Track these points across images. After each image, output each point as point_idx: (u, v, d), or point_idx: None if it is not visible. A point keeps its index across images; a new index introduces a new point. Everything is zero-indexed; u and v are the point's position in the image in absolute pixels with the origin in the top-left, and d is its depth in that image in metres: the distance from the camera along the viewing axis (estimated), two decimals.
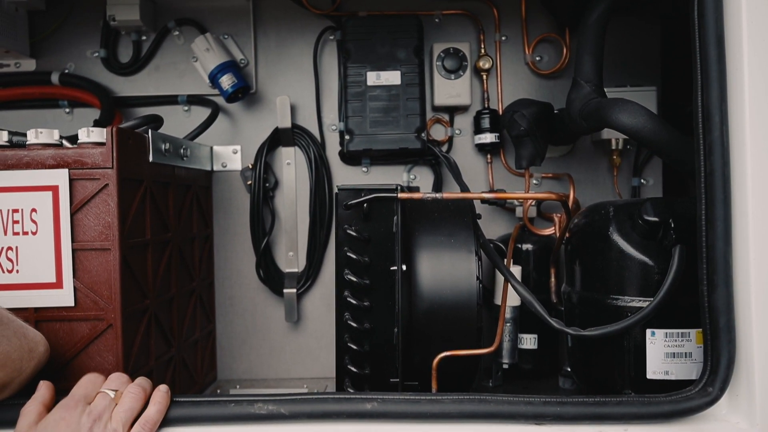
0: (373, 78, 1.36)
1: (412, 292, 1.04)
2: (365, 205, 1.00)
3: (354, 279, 1.00)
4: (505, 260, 1.26)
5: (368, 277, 1.01)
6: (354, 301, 1.00)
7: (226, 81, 1.34)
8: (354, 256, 1.00)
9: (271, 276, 1.45)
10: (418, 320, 1.04)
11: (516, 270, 1.26)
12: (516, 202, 1.39)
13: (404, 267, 1.02)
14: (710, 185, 0.83)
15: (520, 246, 1.33)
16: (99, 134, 0.98)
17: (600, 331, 0.97)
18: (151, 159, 1.09)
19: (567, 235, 1.17)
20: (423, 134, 1.37)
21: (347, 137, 1.37)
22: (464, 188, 1.32)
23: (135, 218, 1.03)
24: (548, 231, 1.34)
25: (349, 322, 1.01)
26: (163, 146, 1.14)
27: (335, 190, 1.45)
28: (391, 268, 1.01)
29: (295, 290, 1.43)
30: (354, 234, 1.00)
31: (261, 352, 1.47)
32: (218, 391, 1.42)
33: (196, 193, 1.34)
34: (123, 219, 0.98)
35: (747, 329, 0.81)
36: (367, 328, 1.01)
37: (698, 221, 0.84)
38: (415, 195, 1.02)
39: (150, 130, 1.09)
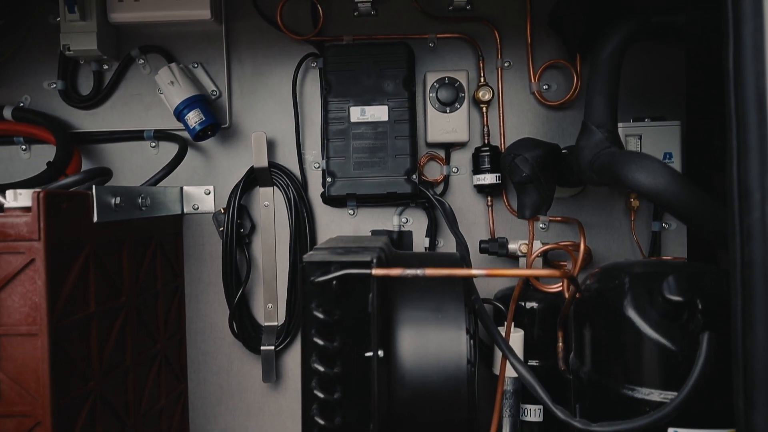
0: (357, 114, 1.21)
1: (391, 380, 0.89)
2: (334, 282, 0.85)
3: (321, 369, 0.85)
4: (506, 323, 1.11)
5: (339, 364, 0.87)
6: (322, 395, 0.86)
7: (193, 118, 1.20)
8: (321, 342, 0.86)
9: (246, 331, 1.30)
10: (399, 413, 0.89)
11: (517, 337, 1.10)
12: (519, 252, 1.23)
13: (381, 353, 0.87)
14: (749, 279, 0.67)
15: (523, 304, 1.18)
16: (27, 197, 0.84)
17: (613, 428, 0.82)
18: (95, 219, 0.95)
19: (577, 295, 1.02)
20: (414, 176, 1.22)
21: (329, 179, 1.22)
22: (460, 239, 1.17)
23: (73, 292, 0.89)
24: (556, 287, 1.18)
25: (317, 418, 0.86)
26: (112, 201, 1.00)
27: (318, 235, 1.31)
28: (366, 354, 0.86)
29: (273, 347, 1.28)
30: (321, 316, 0.86)
31: (237, 413, 1.34)
32: None
33: (160, 243, 1.20)
34: (53, 298, 0.84)
35: None
36: (339, 424, 0.86)
37: (734, 319, 0.68)
38: (392, 272, 0.87)
39: (94, 187, 0.95)
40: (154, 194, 1.16)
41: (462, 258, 1.15)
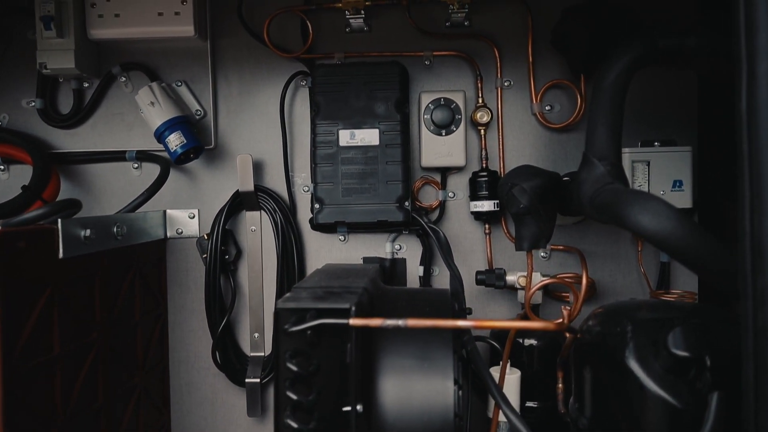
0: (347, 137, 1.14)
1: None
2: (309, 332, 0.79)
3: (294, 425, 0.79)
4: (501, 364, 1.04)
5: (315, 419, 0.80)
6: None
7: (174, 140, 1.14)
8: (295, 397, 0.79)
9: (230, 362, 1.25)
10: None
11: (513, 379, 1.04)
12: (517, 284, 1.16)
13: (360, 407, 0.81)
14: (762, 348, 0.60)
15: (521, 341, 1.11)
16: None
17: None
18: (61, 255, 0.89)
19: (578, 335, 0.95)
20: (407, 203, 1.15)
21: (316, 206, 1.16)
22: (454, 272, 1.10)
23: (34, 335, 0.84)
24: (556, 323, 1.11)
25: None
26: (82, 234, 0.94)
27: (307, 262, 1.24)
28: (344, 409, 0.80)
29: (258, 380, 1.22)
30: (295, 369, 0.79)
31: None
32: None
33: (139, 271, 1.14)
34: (9, 345, 0.78)
35: None
36: None
37: (745, 391, 0.61)
38: (372, 322, 0.80)
39: (60, 221, 0.89)
40: (132, 221, 1.11)
41: (455, 294, 1.08)
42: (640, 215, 0.78)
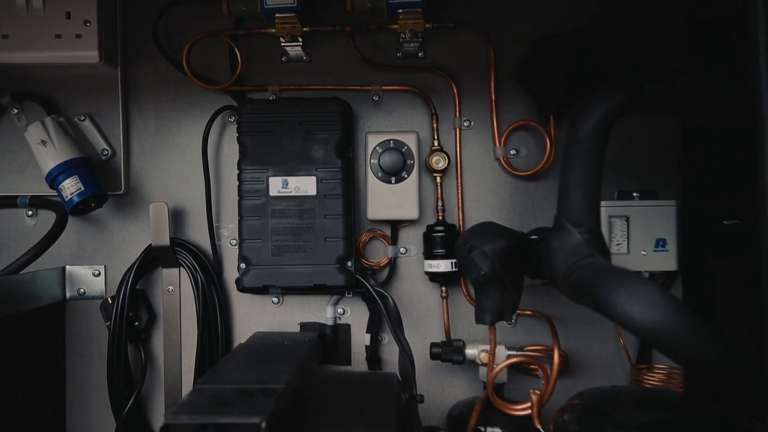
0: (278, 186, 0.97)
1: None
2: None
3: None
4: None
5: None
6: None
7: (70, 187, 0.95)
8: None
9: None
10: None
11: None
12: (479, 360, 0.99)
13: None
14: None
15: (483, 430, 0.94)
16: None
17: None
18: None
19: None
20: (349, 263, 0.98)
21: (242, 266, 0.98)
22: (403, 348, 0.93)
23: None
24: (523, 408, 0.94)
25: None
26: None
27: (235, 328, 1.06)
28: None
29: None
30: None
31: None
32: None
33: (23, 347, 0.94)
34: None
35: None
36: None
37: None
38: None
39: None
40: (12, 285, 0.91)
41: (404, 376, 0.91)
42: (628, 304, 0.62)
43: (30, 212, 1.07)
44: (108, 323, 1.02)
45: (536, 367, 1.05)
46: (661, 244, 0.98)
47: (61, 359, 1.06)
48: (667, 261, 0.98)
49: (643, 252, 0.98)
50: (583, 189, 0.74)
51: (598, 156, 0.74)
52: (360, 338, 1.07)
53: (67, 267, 1.06)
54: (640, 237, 0.98)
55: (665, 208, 0.98)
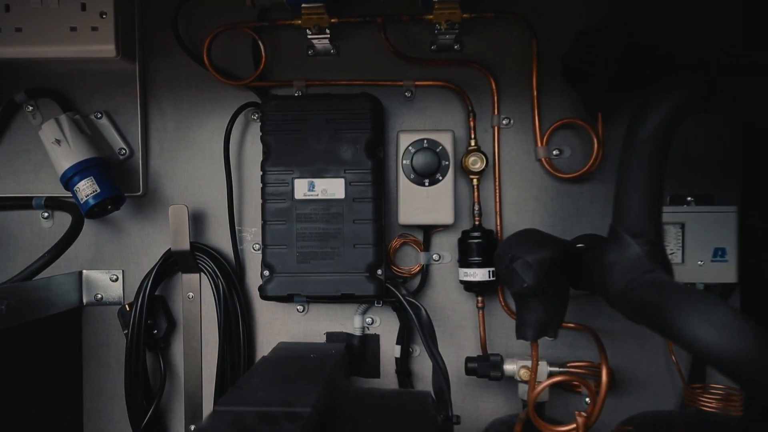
0: (304, 188, 0.90)
1: None
2: None
3: None
4: None
5: None
6: None
7: (85, 188, 0.90)
8: None
9: None
10: None
11: None
12: (518, 377, 0.92)
13: None
14: None
15: None
16: None
17: None
18: None
19: None
20: (379, 271, 0.91)
21: (265, 273, 0.92)
22: (437, 363, 0.86)
23: None
24: (568, 430, 0.87)
25: None
26: None
27: (258, 336, 1.00)
28: None
29: None
30: None
31: None
32: None
33: (36, 356, 0.89)
34: None
35: None
36: None
37: None
38: None
39: None
40: (26, 292, 0.86)
41: (438, 394, 0.84)
42: (701, 329, 0.55)
43: (46, 214, 1.02)
44: (126, 331, 0.97)
45: (578, 385, 0.98)
46: (719, 253, 0.90)
47: (78, 367, 1.02)
48: (726, 272, 0.90)
49: (699, 262, 0.90)
50: (643, 196, 0.66)
51: (661, 160, 0.66)
52: (390, 349, 1.01)
53: (84, 272, 1.02)
54: (697, 246, 0.90)
55: (724, 215, 0.90)
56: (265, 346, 1.02)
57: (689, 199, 0.95)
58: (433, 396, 0.85)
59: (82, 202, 0.90)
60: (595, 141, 0.94)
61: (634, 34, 0.88)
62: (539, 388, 0.86)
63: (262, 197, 0.92)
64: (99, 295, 1.02)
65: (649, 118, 0.65)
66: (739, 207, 0.90)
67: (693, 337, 0.55)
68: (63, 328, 0.99)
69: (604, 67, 0.89)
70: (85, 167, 0.90)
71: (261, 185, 0.92)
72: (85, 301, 1.02)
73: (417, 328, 0.89)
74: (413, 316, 0.90)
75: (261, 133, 0.92)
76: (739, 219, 0.89)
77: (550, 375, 0.91)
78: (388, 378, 1.01)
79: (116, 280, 1.02)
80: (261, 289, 0.92)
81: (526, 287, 0.79)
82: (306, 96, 0.97)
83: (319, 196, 0.90)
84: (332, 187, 0.90)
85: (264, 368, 0.82)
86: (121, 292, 1.02)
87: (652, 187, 0.66)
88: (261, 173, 0.92)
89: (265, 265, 0.91)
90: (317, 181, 0.90)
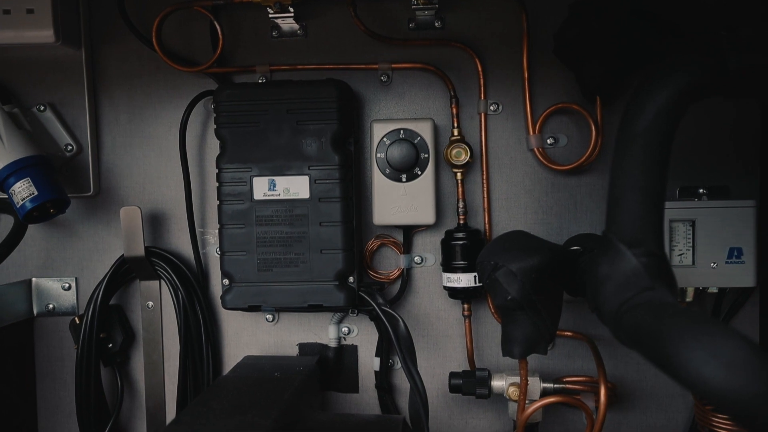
0: (264, 188, 0.81)
1: None
2: None
3: None
4: None
5: None
6: None
7: (21, 191, 0.81)
8: None
9: None
10: None
11: None
12: (507, 396, 0.82)
13: None
14: None
15: None
16: None
17: None
18: None
19: None
20: (351, 279, 0.82)
21: (224, 282, 0.83)
22: (414, 382, 0.77)
23: None
24: None
25: None
26: None
27: (224, 349, 0.92)
28: None
29: None
30: None
31: None
32: None
33: None
34: None
35: None
36: None
37: None
38: None
39: None
40: None
41: (414, 419, 0.75)
42: (706, 366, 0.45)
43: None
44: (76, 347, 0.88)
45: (580, 398, 0.88)
46: (735, 254, 0.79)
47: (31, 383, 0.94)
48: (743, 275, 0.79)
49: (712, 264, 0.79)
50: (642, 198, 0.55)
51: (662, 154, 0.55)
52: (369, 361, 0.91)
53: (34, 279, 0.93)
54: (709, 245, 0.79)
55: (741, 210, 0.79)
56: (232, 359, 0.93)
57: (701, 191, 0.85)
58: (408, 421, 0.76)
59: (18, 206, 0.81)
60: (594, 128, 0.84)
61: (634, 7, 0.76)
62: (528, 410, 0.76)
63: (218, 198, 0.82)
64: (51, 305, 0.93)
65: (649, 105, 0.54)
66: (757, 201, 0.79)
67: (696, 376, 0.45)
68: (13, 342, 0.91)
69: (602, 43, 0.78)
70: (21, 167, 0.81)
71: (217, 185, 0.83)
72: (36, 311, 0.94)
73: (394, 341, 0.80)
74: (390, 328, 0.81)
75: (215, 126, 0.82)
76: (757, 215, 0.78)
77: (543, 393, 0.82)
78: (367, 393, 0.92)
79: (69, 288, 0.93)
80: (222, 299, 0.83)
81: (510, 300, 0.68)
82: (264, 83, 0.87)
83: (281, 196, 0.80)
84: (295, 186, 0.80)
85: (217, 392, 0.74)
86: (75, 301, 0.94)
87: (652, 188, 0.55)
88: (216, 172, 0.83)
89: (224, 273, 0.82)
90: (278, 180, 0.80)
